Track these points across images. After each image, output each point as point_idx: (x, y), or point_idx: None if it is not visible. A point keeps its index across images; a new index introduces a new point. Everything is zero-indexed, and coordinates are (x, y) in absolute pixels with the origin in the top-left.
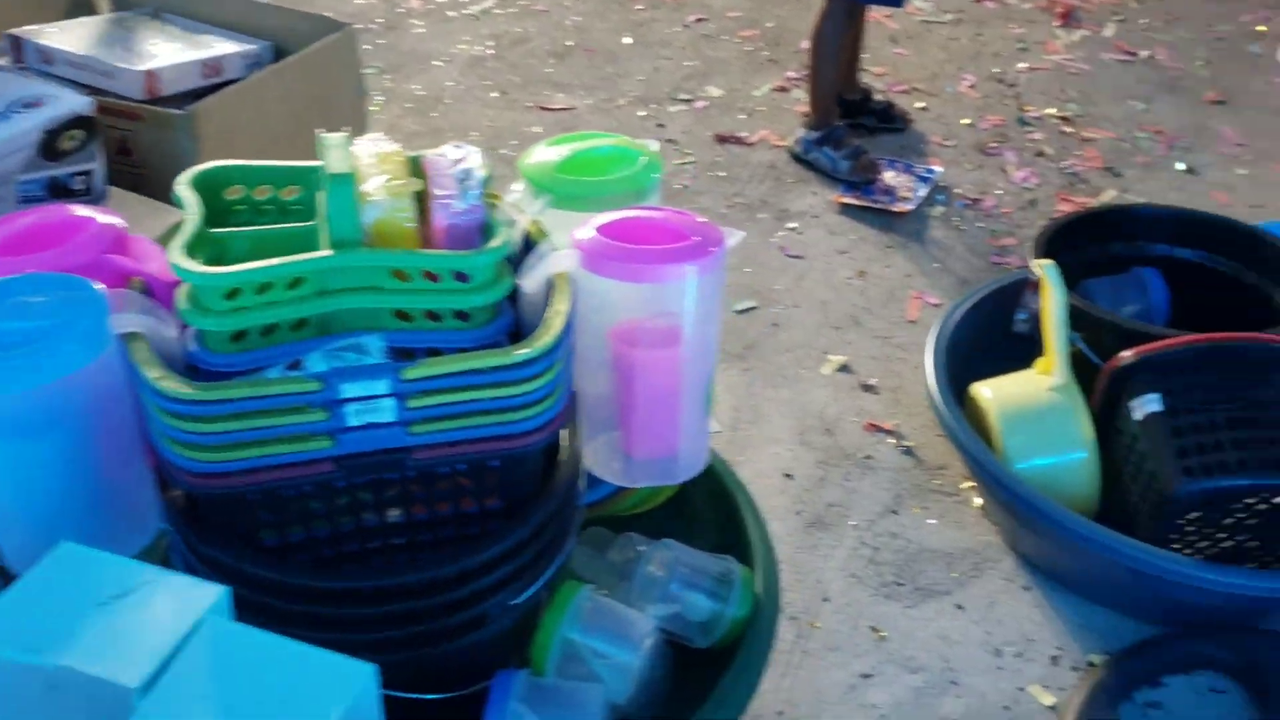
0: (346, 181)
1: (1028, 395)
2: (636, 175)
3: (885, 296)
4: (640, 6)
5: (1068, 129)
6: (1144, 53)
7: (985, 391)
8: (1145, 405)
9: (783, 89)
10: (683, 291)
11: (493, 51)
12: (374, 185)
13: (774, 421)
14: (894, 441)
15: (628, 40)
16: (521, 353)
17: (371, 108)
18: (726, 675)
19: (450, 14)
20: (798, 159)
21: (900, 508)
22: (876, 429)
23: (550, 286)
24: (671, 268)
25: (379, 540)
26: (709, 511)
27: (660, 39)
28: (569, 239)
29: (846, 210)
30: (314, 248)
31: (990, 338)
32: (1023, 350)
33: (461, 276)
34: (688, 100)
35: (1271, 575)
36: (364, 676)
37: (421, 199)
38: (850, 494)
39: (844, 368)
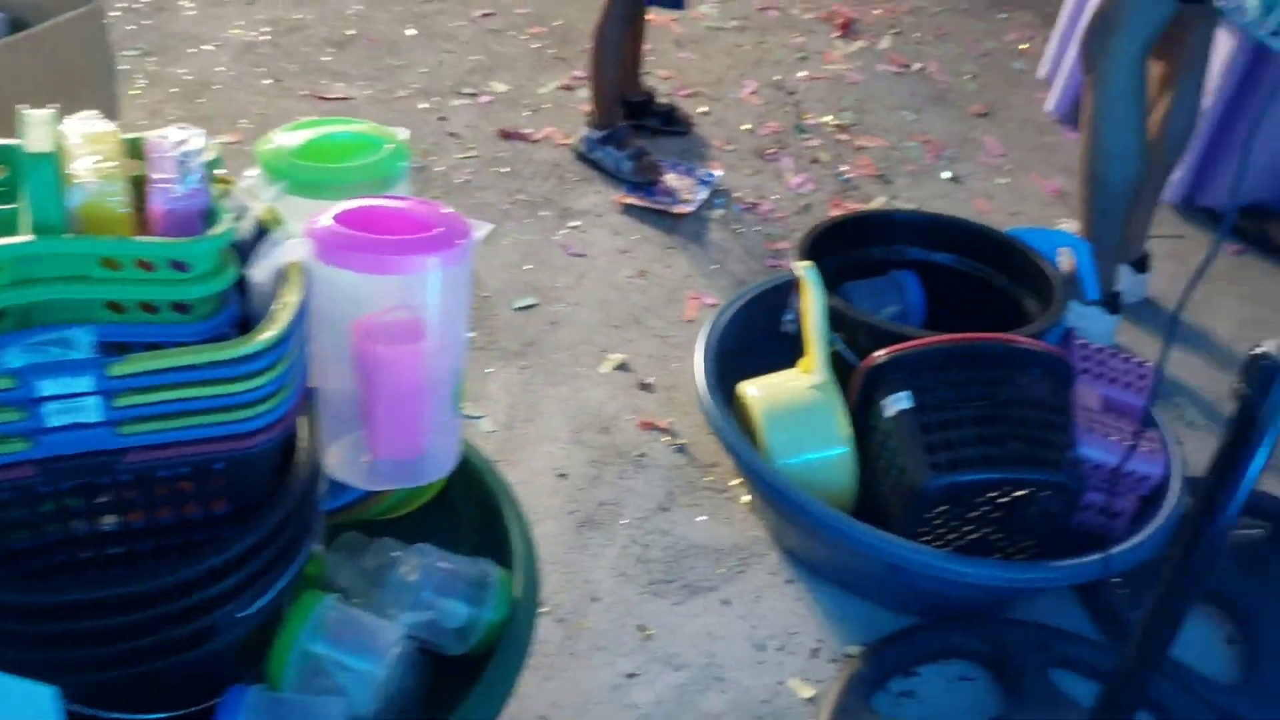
0: (48, 161)
1: (790, 393)
2: (381, 163)
3: (665, 296)
4: None
5: (843, 137)
6: (916, 65)
7: (750, 390)
8: (896, 403)
9: (569, 87)
10: (426, 284)
11: (268, 37)
12: (83, 167)
13: (551, 420)
14: (668, 439)
15: (411, 32)
16: (243, 348)
17: (132, 91)
18: (479, 681)
19: None
20: (582, 158)
21: (672, 505)
22: (651, 427)
23: (282, 277)
24: (414, 259)
25: (92, 550)
26: (471, 513)
27: (445, 32)
28: (304, 227)
29: (629, 210)
30: (15, 233)
31: (762, 337)
32: (792, 349)
33: (179, 265)
34: (472, 95)
35: (1014, 566)
36: (42, 701)
37: (141, 184)
38: (623, 492)
39: (622, 366)
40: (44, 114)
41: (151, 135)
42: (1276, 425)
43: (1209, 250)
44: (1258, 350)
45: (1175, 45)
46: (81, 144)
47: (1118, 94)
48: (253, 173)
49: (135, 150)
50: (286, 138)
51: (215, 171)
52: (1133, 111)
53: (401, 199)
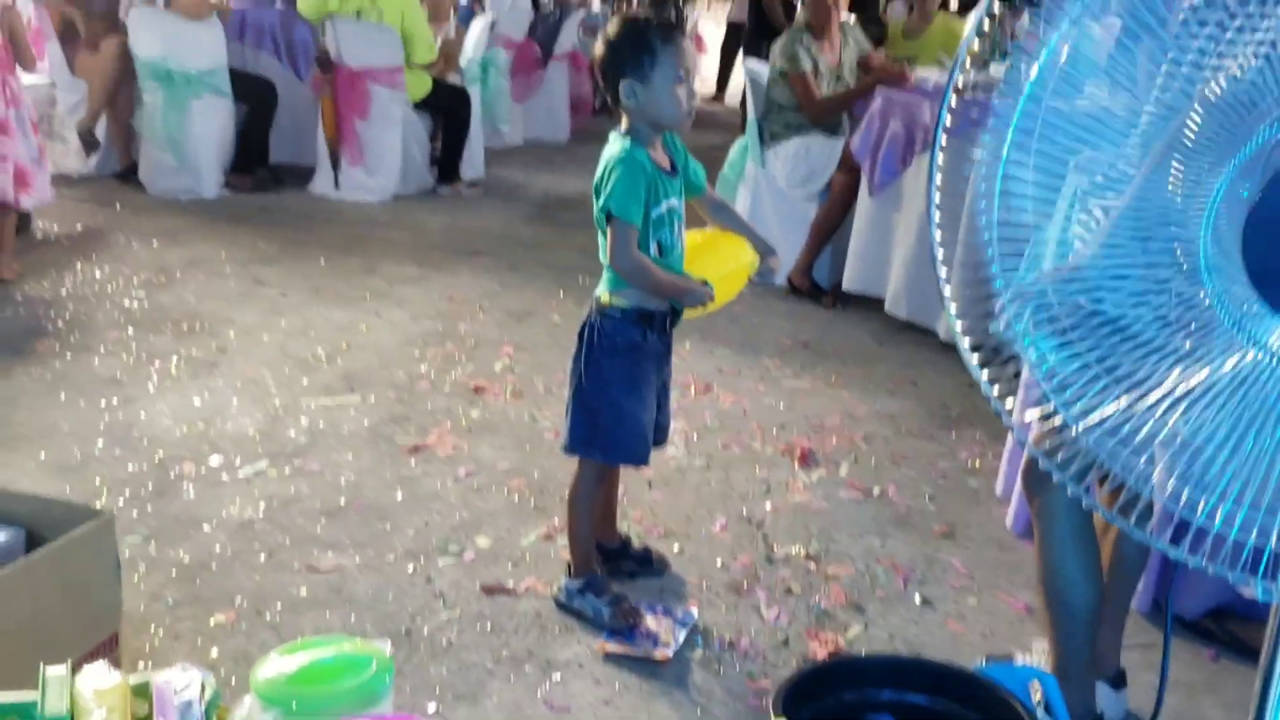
0: None
1: None
2: (367, 683)
3: None
4: (413, 462)
5: (812, 566)
6: (876, 490)
7: None
8: None
9: (549, 536)
10: None
11: (263, 513)
12: None
13: None
14: None
15: (399, 495)
16: None
17: (134, 578)
18: None
19: (224, 477)
20: (563, 607)
21: None
22: None
23: None
24: None
25: None
26: None
27: (431, 492)
28: None
29: (610, 658)
30: None
31: None
32: None
33: None
34: (457, 553)
35: None
36: None
37: None
38: None
39: None
40: (58, 673)
41: (159, 679)
42: None
43: (1164, 659)
44: None
45: None
46: (92, 698)
47: (1064, 525)
48: (249, 701)
49: (144, 692)
50: (280, 664)
51: (217, 705)
52: (1081, 541)
53: (384, 718)
